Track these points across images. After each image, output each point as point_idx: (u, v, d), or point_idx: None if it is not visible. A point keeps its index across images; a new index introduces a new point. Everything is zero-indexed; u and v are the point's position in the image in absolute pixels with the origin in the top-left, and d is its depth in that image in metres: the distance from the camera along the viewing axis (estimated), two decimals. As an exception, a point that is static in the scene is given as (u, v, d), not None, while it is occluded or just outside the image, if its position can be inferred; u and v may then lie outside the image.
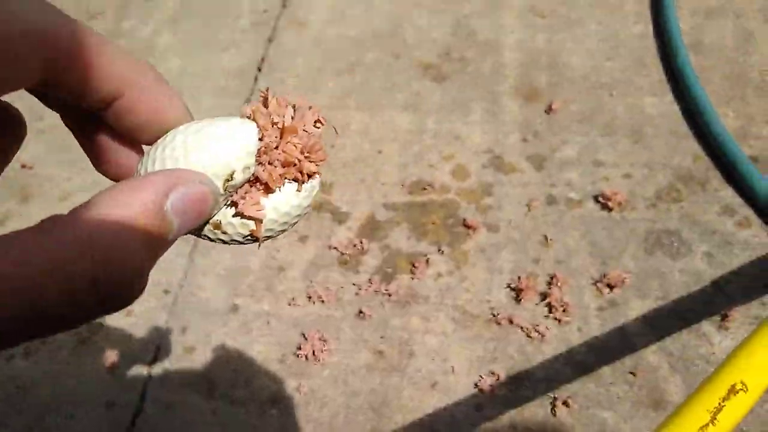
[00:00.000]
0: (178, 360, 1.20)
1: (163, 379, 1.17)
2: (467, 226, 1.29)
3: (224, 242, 0.29)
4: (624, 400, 1.02)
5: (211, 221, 0.28)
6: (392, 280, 1.23)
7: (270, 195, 0.28)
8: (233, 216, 0.28)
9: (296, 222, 0.31)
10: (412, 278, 1.23)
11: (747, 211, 1.21)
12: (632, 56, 1.52)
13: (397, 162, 1.42)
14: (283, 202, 0.28)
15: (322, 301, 1.22)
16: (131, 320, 1.27)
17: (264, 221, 0.28)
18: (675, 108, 1.40)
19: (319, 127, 0.28)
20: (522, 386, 1.06)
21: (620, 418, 1.01)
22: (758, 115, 1.36)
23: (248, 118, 0.27)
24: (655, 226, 1.23)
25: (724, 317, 1.08)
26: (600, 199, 1.28)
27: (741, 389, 0.57)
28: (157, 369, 1.19)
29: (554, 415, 1.02)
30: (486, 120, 1.46)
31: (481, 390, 1.07)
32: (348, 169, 1.43)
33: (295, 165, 0.27)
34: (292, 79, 1.64)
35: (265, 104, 0.27)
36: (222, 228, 0.28)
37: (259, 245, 0.30)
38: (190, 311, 1.26)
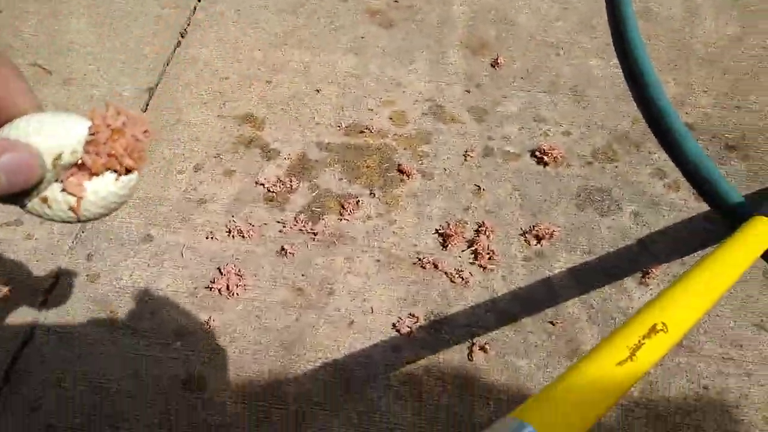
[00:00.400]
0: (80, 288, 1.11)
1: (61, 307, 1.09)
2: (402, 172, 1.24)
3: (48, 217, 0.34)
4: (540, 349, 1.00)
5: (39, 196, 0.33)
6: (319, 220, 1.18)
7: (93, 179, 0.34)
8: (59, 192, 0.34)
9: (115, 209, 0.37)
10: (340, 219, 1.18)
11: (677, 175, 1.21)
12: (581, 18, 1.50)
13: (335, 103, 1.36)
14: (102, 187, 0.35)
15: (243, 237, 1.16)
16: (31, 243, 1.18)
17: (84, 201, 0.34)
18: (619, 71, 1.39)
19: (147, 137, 0.35)
20: (441, 330, 1.03)
21: (535, 366, 0.99)
22: (697, 85, 1.36)
23: (88, 117, 0.34)
24: (588, 183, 1.21)
25: (646, 274, 1.07)
26: (537, 153, 1.25)
27: (661, 329, 0.55)
28: (56, 296, 1.11)
29: (471, 359, 1.00)
30: (430, 69, 1.42)
31: (399, 332, 1.03)
32: (282, 106, 1.36)
33: (116, 159, 0.33)
34: (232, 13, 1.56)
35: (106, 110, 0.34)
36: (48, 202, 0.33)
37: (79, 223, 0.38)
38: (98, 239, 1.18)
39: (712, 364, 0.97)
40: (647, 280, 1.06)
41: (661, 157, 1.24)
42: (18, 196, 0.32)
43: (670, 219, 1.14)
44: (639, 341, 0.53)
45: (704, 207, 1.15)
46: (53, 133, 0.31)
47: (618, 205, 1.17)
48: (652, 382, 0.96)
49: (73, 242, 1.17)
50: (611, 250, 1.11)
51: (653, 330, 0.54)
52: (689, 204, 1.16)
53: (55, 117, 0.32)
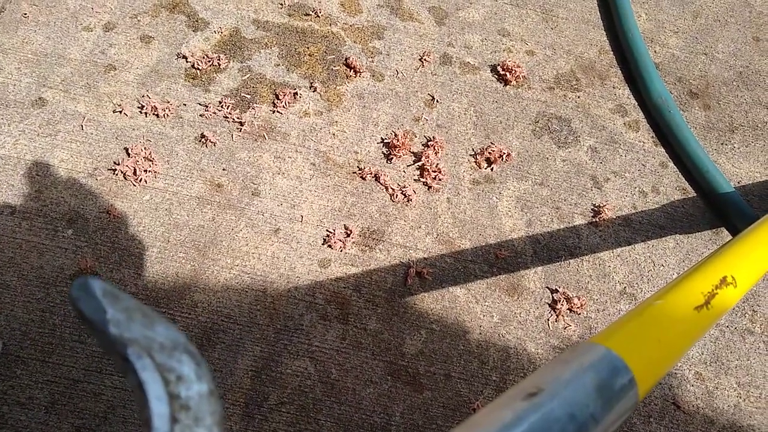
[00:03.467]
0: (-50, 150, 0.92)
1: (-76, 170, 0.90)
2: (349, 67, 1.10)
3: None
4: (480, 280, 0.93)
5: None
6: (248, 108, 1.02)
7: None
8: None
9: None
10: (273, 111, 1.03)
11: (638, 115, 1.14)
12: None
13: (280, -23, 1.18)
14: None
15: (157, 116, 0.99)
16: None
17: None
18: (592, -7, 1.28)
19: None
20: (376, 248, 0.93)
21: (473, 298, 0.92)
22: (668, 24, 1.28)
23: None
24: (548, 109, 1.12)
25: (596, 213, 1.01)
26: (498, 69, 1.14)
27: (731, 283, 0.53)
28: None
29: (405, 283, 0.91)
30: (391, -44, 1.25)
31: (329, 245, 0.92)
32: (218, -30, 1.16)
33: None
34: None
35: None
36: None
37: None
38: (-23, 95, 0.97)
39: (651, 314, 0.94)
40: (598, 220, 1.00)
41: (625, 93, 1.16)
42: None
43: (627, 159, 1.08)
44: (712, 290, 0.52)
45: (661, 152, 1.09)
46: None
47: (576, 137, 1.09)
48: (592, 327, 0.91)
49: (-58, 94, 0.96)
50: (564, 183, 1.04)
51: (724, 282, 0.54)
52: (647, 147, 1.10)
53: None
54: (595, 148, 1.09)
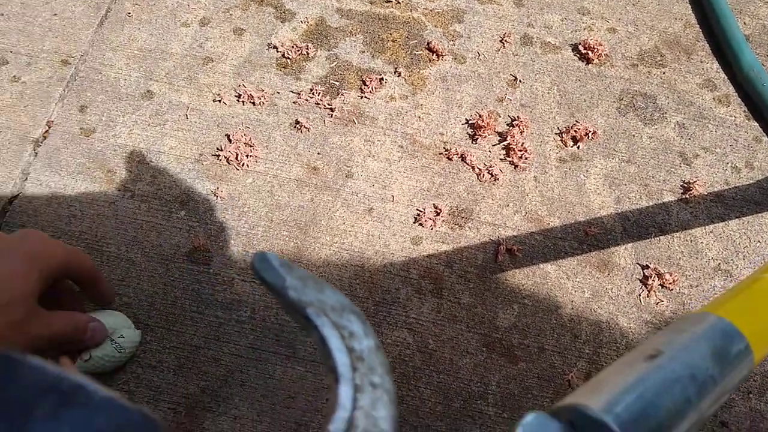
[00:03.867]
0: (73, 141, 1.00)
1: (52, 159, 0.98)
2: (431, 51, 1.13)
3: (98, 357, 0.69)
4: (570, 257, 0.95)
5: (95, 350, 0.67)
6: (338, 94, 1.07)
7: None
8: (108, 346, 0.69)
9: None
10: (361, 96, 1.07)
11: (728, 89, 1.12)
12: None
13: (362, -34, 1.21)
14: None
15: (254, 104, 1.05)
16: (18, 87, 1.05)
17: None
18: (676, -33, 1.26)
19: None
20: (465, 226, 0.97)
21: (564, 274, 0.94)
22: (757, -7, 1.24)
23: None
24: (632, 87, 1.12)
25: (686, 190, 1.01)
26: (580, 48, 1.14)
27: None
28: (47, 147, 1.00)
29: (496, 260, 0.94)
30: (470, -60, 1.26)
31: (420, 224, 0.96)
32: (304, -38, 1.20)
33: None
34: None
35: None
36: (100, 350, 0.69)
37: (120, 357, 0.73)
38: (93, 90, 1.05)
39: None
40: (688, 197, 1.00)
41: (713, 67, 1.14)
42: (86, 349, 0.59)
43: (717, 135, 1.07)
44: None
45: (755, 126, 1.07)
46: (116, 323, 0.67)
47: (662, 113, 1.09)
48: (685, 303, 0.92)
49: (64, 90, 1.05)
50: (652, 160, 1.04)
51: None
52: (738, 121, 1.08)
53: (121, 316, 0.72)
54: (683, 124, 1.08)
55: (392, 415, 0.24)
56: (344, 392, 0.24)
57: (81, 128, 1.01)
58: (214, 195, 0.96)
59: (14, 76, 1.06)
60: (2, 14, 1.12)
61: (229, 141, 1.01)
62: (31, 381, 0.23)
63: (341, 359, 0.25)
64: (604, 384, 0.29)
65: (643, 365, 0.30)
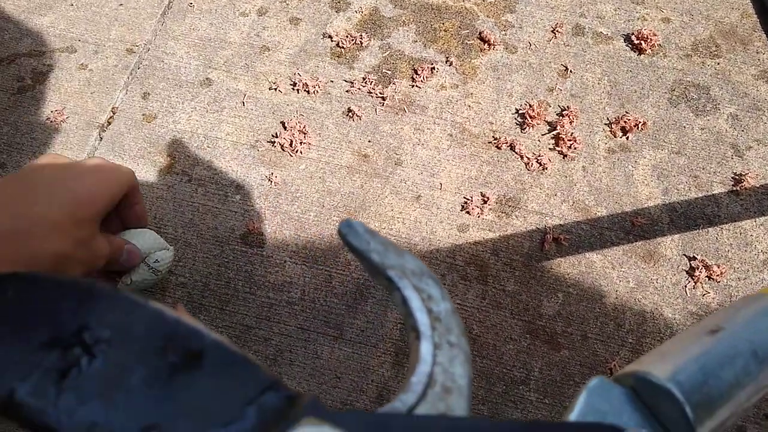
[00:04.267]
0: (135, 126, 1.06)
1: (115, 143, 1.04)
2: (482, 40, 1.14)
3: (134, 279, 0.59)
4: (617, 247, 0.96)
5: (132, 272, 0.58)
6: (389, 83, 1.09)
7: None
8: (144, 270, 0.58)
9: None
10: (412, 85, 1.09)
11: (785, 80, 1.10)
12: None
13: (414, -44, 1.23)
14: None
15: (308, 92, 1.08)
16: (85, 74, 1.11)
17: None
18: (735, -45, 1.23)
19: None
20: (512, 215, 0.98)
21: (609, 264, 0.94)
22: (821, -19, 1.21)
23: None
24: (685, 77, 1.11)
25: (737, 182, 1.00)
26: (633, 38, 1.14)
27: None
28: (111, 132, 1.05)
29: (542, 248, 0.95)
30: (522, -72, 1.26)
31: (467, 211, 0.98)
32: (357, -48, 1.23)
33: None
34: None
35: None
36: (136, 273, 0.58)
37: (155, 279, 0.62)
38: (155, 77, 1.10)
39: (796, 284, 0.92)
40: (739, 189, 0.99)
41: (770, 57, 1.12)
42: (123, 272, 0.55)
43: (771, 127, 1.05)
44: None
45: (810, 118, 1.05)
46: (149, 245, 0.56)
47: (715, 105, 1.08)
48: (733, 295, 0.91)
49: (128, 78, 1.10)
50: (702, 152, 1.03)
51: None
52: (794, 113, 1.06)
53: (152, 235, 0.58)
54: (736, 115, 1.07)
55: (467, 373, 0.26)
56: (425, 348, 0.26)
57: (143, 114, 1.07)
58: (269, 180, 1.00)
59: (82, 64, 1.11)
60: (72, 4, 1.18)
61: (284, 128, 1.05)
62: (151, 324, 0.26)
63: (422, 318, 0.27)
64: (666, 355, 0.30)
65: (705, 339, 0.31)
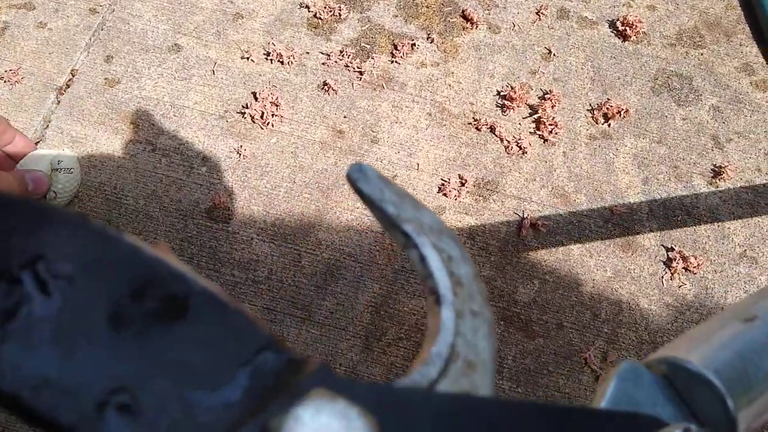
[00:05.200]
0: (97, 91, 0.99)
1: (74, 108, 0.98)
2: (466, 18, 1.10)
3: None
4: (595, 235, 0.93)
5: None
6: (368, 58, 1.05)
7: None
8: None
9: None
10: (391, 61, 1.05)
11: (767, 74, 1.09)
12: None
13: (398, -72, 1.18)
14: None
15: (282, 63, 1.03)
16: (44, 33, 1.04)
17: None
18: (722, -55, 1.21)
19: None
20: (490, 199, 0.95)
21: (587, 252, 0.92)
22: (805, -23, 1.20)
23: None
24: (669, 66, 1.09)
25: (717, 174, 0.99)
26: (618, 24, 1.11)
27: None
28: (70, 95, 0.99)
29: (519, 233, 0.92)
30: None
31: (444, 194, 0.94)
32: None
33: None
34: None
35: None
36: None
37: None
38: (119, 40, 1.04)
39: (773, 278, 0.91)
40: (718, 181, 0.98)
41: (753, 51, 1.11)
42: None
43: (752, 120, 1.04)
44: None
45: (791, 113, 1.04)
46: (47, 160, 0.70)
47: (698, 95, 1.06)
48: (708, 287, 0.90)
49: (90, 39, 1.04)
50: (683, 142, 1.01)
51: None
52: (775, 107, 1.05)
53: (41, 152, 0.77)
54: (718, 107, 1.05)
55: (492, 346, 0.23)
56: (447, 315, 0.22)
57: (106, 78, 1.00)
58: (237, 153, 0.95)
59: (40, 22, 1.05)
60: (31, -42, 1.11)
61: (255, 99, 1.00)
62: (125, 261, 0.21)
63: (443, 280, 0.24)
64: (699, 341, 0.28)
65: (739, 326, 0.29)
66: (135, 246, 0.21)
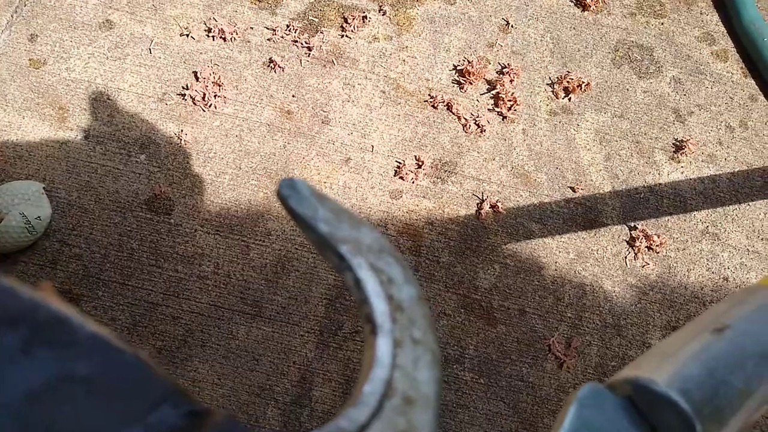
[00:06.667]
0: (21, 73, 0.91)
1: (-2, 92, 0.90)
2: (418, -11, 1.04)
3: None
4: (557, 215, 0.90)
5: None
6: (316, 32, 0.99)
7: None
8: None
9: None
10: (342, 35, 0.99)
11: (727, 43, 1.06)
12: None
13: None
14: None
15: (224, 39, 0.96)
16: (-41, 10, 0.95)
17: None
18: None
19: None
20: (448, 180, 0.91)
21: (548, 233, 0.89)
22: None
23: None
24: (629, 37, 1.05)
25: (678, 149, 0.96)
26: (577, -7, 1.07)
27: None
28: (-9, 78, 0.91)
29: (478, 216, 0.89)
30: None
31: (401, 177, 0.90)
32: None
33: None
34: None
35: None
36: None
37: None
38: (44, 17, 0.96)
39: (735, 255, 0.90)
40: (679, 156, 0.95)
41: (713, 19, 1.08)
42: None
43: (713, 92, 1.01)
44: None
45: (751, 84, 1.02)
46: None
47: (658, 67, 1.03)
48: (671, 266, 0.88)
49: (12, 17, 0.95)
50: (645, 116, 0.98)
51: None
52: (735, 78, 1.03)
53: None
54: (679, 79, 1.03)
55: (435, 377, 0.20)
56: (383, 346, 0.20)
57: (30, 59, 0.92)
58: (178, 138, 0.89)
59: (-44, -2, 0.95)
60: (-59, -74, 1.00)
61: (197, 79, 0.93)
62: None
63: (379, 307, 0.21)
64: (668, 357, 0.25)
65: (710, 338, 0.26)
66: (8, 287, 0.18)
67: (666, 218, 0.92)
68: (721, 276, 0.88)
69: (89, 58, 0.93)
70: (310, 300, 0.82)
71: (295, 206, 0.22)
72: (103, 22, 0.96)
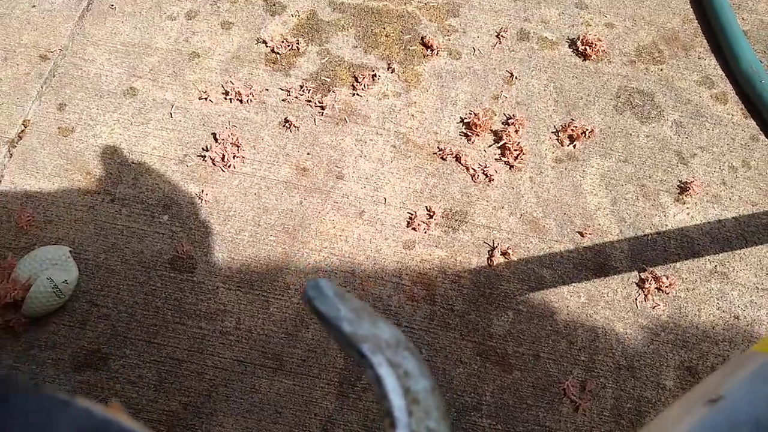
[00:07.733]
0: (50, 141, 0.96)
1: (27, 160, 0.95)
2: (425, 46, 1.09)
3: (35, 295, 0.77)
4: (566, 260, 0.93)
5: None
6: (329, 91, 1.04)
7: None
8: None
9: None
10: (353, 94, 1.04)
11: (726, 86, 1.09)
12: None
13: (352, -43, 1.17)
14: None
15: (241, 101, 1.01)
16: (-7, 84, 1.01)
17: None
18: (675, -41, 1.23)
19: None
20: (459, 229, 0.94)
21: (559, 278, 0.91)
22: (757, -13, 1.21)
23: None
24: (630, 84, 1.09)
25: (683, 190, 0.99)
26: (578, 43, 1.11)
27: None
28: (22, 147, 0.96)
29: (490, 264, 0.91)
30: (463, -70, 1.23)
31: (413, 227, 0.93)
32: (292, -48, 1.16)
33: None
34: None
35: None
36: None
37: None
38: (72, 86, 1.01)
39: (745, 294, 0.91)
40: (685, 197, 0.98)
41: (711, 63, 1.12)
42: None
43: (714, 133, 1.04)
44: None
45: (752, 125, 1.05)
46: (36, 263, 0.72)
47: (660, 111, 1.06)
48: (682, 307, 0.90)
49: (42, 87, 1.01)
50: (648, 160, 1.01)
51: None
52: (736, 119, 1.06)
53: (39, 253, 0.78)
54: (680, 122, 1.06)
55: None
56: None
57: (59, 128, 0.98)
58: (199, 198, 0.93)
59: (-10, 72, 1.01)
60: (-24, 7, 1.08)
61: (216, 141, 0.98)
62: (76, 425, 0.20)
63: (398, 403, 0.23)
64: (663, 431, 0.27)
65: (704, 410, 0.28)
66: (84, 408, 0.21)
67: (674, 259, 0.94)
68: (732, 314, 0.89)
69: (114, 124, 0.98)
70: (328, 352, 0.84)
71: (320, 307, 0.24)
72: (127, 90, 1.01)
